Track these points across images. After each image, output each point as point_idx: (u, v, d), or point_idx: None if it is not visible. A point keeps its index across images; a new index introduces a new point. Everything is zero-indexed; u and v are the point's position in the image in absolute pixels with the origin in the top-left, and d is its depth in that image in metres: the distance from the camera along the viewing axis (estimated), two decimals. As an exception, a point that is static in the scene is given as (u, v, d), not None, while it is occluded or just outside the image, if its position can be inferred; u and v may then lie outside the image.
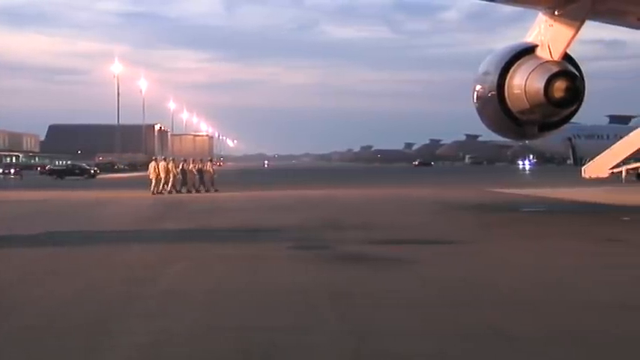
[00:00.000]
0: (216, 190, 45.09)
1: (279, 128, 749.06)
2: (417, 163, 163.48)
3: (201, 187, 45.48)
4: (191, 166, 46.17)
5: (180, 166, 45.67)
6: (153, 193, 43.34)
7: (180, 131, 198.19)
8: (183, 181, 45.31)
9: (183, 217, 27.45)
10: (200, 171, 46.23)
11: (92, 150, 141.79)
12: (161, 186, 44.05)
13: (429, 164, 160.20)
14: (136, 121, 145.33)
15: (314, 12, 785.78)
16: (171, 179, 44.49)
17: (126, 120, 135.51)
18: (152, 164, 45.60)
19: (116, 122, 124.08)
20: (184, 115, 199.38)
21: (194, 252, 17.13)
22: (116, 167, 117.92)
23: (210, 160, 48.65)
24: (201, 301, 11.31)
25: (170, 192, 43.73)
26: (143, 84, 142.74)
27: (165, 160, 46.33)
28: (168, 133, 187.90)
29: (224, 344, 8.81)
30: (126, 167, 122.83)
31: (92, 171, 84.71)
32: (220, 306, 10.98)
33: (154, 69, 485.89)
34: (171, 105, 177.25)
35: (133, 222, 25.57)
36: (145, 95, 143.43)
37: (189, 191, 44.61)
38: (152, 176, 44.55)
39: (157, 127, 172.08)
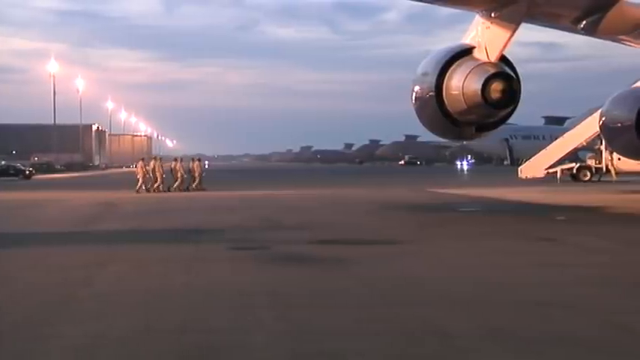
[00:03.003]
0: (188, 189, 46.63)
1: (218, 128, 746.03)
2: (403, 162, 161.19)
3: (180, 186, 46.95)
4: (178, 165, 47.84)
5: (173, 165, 47.91)
6: (143, 191, 44.95)
7: (118, 131, 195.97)
8: (174, 179, 47.18)
9: (124, 218, 27.17)
10: (190, 170, 48.20)
11: (27, 150, 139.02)
12: (156, 185, 45.95)
13: (416, 163, 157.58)
14: (74, 121, 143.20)
15: (254, 12, 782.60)
16: (159, 178, 46.24)
17: (63, 120, 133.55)
18: (140, 163, 47.33)
19: (52, 122, 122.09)
20: (123, 115, 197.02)
21: (133, 253, 16.95)
22: (51, 167, 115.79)
23: (199, 160, 50.01)
24: (139, 303, 11.20)
25: (164, 190, 45.47)
26: (80, 83, 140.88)
27: (154, 159, 48.17)
28: (106, 134, 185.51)
29: (162, 346, 8.73)
30: (62, 167, 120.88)
31: (27, 172, 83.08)
32: (158, 307, 10.88)
33: (92, 68, 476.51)
34: (110, 105, 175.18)
35: (71, 223, 25.18)
36: (82, 95, 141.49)
37: (172, 190, 45.99)
38: (139, 175, 46.18)
39: (94, 127, 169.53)
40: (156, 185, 45.95)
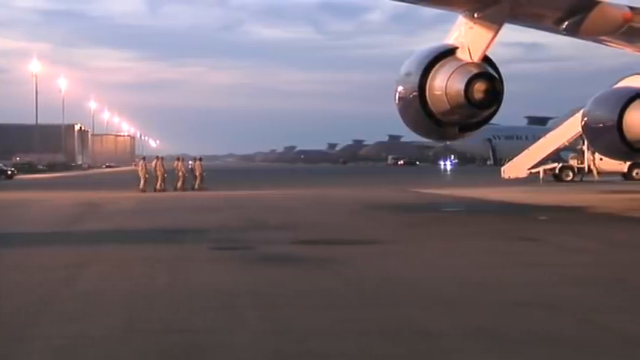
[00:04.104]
0: (193, 188, 47.29)
1: (202, 128, 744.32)
2: (402, 162, 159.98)
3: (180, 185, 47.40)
4: (180, 164, 48.37)
5: (175, 165, 48.57)
6: (143, 191, 45.44)
7: (101, 131, 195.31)
8: (176, 179, 47.92)
9: (108, 218, 27.07)
10: (192, 170, 49.03)
11: (9, 150, 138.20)
12: (157, 184, 46.48)
13: (415, 163, 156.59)
14: (56, 120, 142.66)
15: (239, 12, 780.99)
16: (160, 177, 46.87)
17: (46, 120, 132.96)
18: (141, 163, 48.67)
19: (35, 122, 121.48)
20: (106, 115, 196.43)
21: (117, 253, 16.89)
22: (33, 167, 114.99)
23: (200, 160, 50.68)
24: (122, 303, 11.16)
25: (165, 190, 46.16)
26: (63, 83, 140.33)
27: (157, 159, 48.94)
28: (89, 133, 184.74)
29: (145, 345, 8.71)
30: (45, 167, 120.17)
31: (9, 172, 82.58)
32: (141, 307, 10.84)
33: (75, 68, 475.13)
34: (92, 105, 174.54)
35: (54, 223, 25.05)
36: (65, 95, 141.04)
37: (178, 189, 46.57)
38: (141, 175, 46.90)
39: (76, 127, 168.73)
40: (157, 185, 46.35)
